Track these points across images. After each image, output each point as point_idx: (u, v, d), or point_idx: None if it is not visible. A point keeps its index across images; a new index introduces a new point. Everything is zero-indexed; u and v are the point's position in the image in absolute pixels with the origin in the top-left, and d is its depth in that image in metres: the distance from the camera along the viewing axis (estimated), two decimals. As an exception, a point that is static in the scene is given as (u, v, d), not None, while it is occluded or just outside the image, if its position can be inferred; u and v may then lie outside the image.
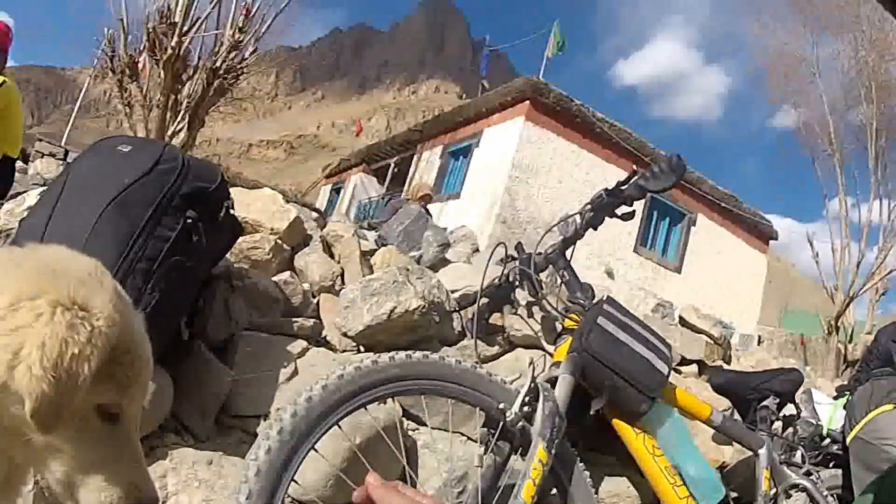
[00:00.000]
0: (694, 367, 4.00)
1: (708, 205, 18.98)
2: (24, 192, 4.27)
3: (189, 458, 2.43)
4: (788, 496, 2.68)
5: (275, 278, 3.24)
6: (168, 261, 2.38)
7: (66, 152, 15.60)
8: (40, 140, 17.34)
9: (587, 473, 2.28)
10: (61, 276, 1.03)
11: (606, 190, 2.51)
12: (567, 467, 2.23)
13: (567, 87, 18.45)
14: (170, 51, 11.56)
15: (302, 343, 2.97)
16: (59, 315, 0.97)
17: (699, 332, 4.21)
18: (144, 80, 12.63)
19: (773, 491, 2.67)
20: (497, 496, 2.05)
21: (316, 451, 1.86)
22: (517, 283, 2.65)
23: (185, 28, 11.78)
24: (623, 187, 2.49)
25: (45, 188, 4.23)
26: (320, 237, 3.74)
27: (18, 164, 5.31)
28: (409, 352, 2.09)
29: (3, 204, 4.22)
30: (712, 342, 4.18)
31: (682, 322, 4.34)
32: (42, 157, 9.30)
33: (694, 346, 4.03)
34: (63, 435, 1.05)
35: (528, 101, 16.86)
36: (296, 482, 1.82)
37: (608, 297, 2.53)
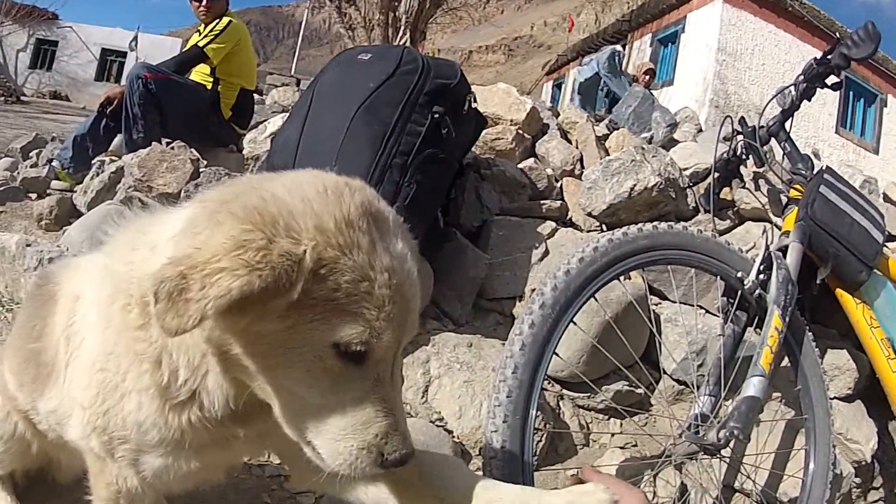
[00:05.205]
0: (899, 244, 3.67)
1: (896, 84, 18.09)
2: (265, 120, 4.65)
3: (450, 342, 2.59)
4: None
5: (520, 165, 3.40)
6: (421, 154, 2.54)
7: (298, 81, 16.55)
8: (271, 74, 18.47)
9: (815, 344, 2.27)
10: (273, 203, 0.95)
11: (816, 59, 2.54)
12: (798, 337, 2.23)
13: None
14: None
15: (551, 224, 3.09)
16: (235, 231, 0.90)
17: (902, 207, 3.82)
18: (362, 2, 13.09)
19: None
20: (735, 368, 2.08)
21: (575, 323, 1.90)
22: (744, 156, 2.68)
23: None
24: (829, 57, 2.50)
25: (286, 112, 4.60)
26: (557, 125, 3.85)
27: (255, 96, 5.57)
28: (655, 223, 2.10)
29: (245, 134, 4.64)
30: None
31: (885, 198, 4.04)
32: (276, 88, 10.02)
33: (897, 222, 3.68)
34: (293, 374, 0.98)
35: (723, -17, 16.82)
36: (557, 355, 1.88)
37: (827, 166, 2.52)
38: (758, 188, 2.91)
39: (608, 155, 3.46)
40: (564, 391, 2.61)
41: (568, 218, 3.24)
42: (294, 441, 1.07)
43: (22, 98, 21.74)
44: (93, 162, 4.07)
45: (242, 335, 0.97)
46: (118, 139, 4.50)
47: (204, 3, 4.76)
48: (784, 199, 2.57)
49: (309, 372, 0.98)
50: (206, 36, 4.66)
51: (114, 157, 4.09)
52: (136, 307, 1.08)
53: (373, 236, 0.98)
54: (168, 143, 3.60)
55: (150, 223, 1.16)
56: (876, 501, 2.59)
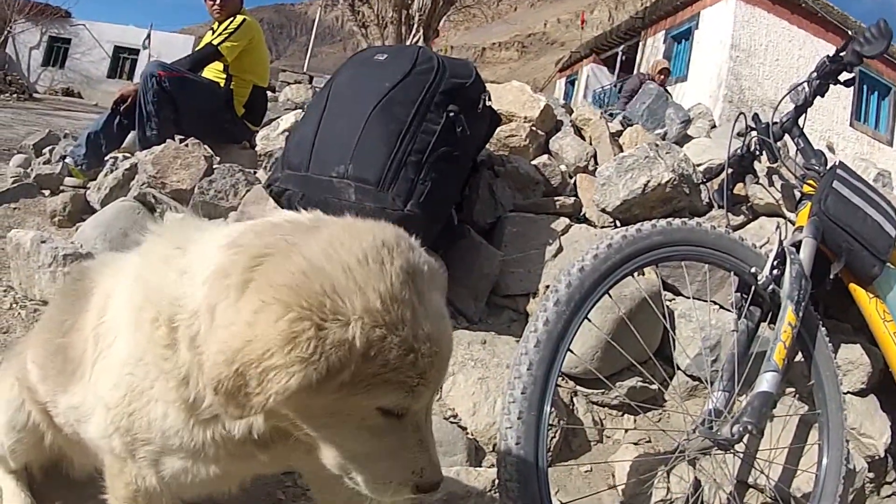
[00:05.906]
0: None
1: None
2: (278, 117, 4.67)
3: (464, 339, 2.60)
4: None
5: (534, 162, 3.41)
6: (436, 152, 2.55)
7: (311, 78, 16.64)
8: (283, 71, 18.56)
9: (828, 339, 2.29)
10: (315, 278, 0.95)
11: (829, 57, 2.54)
12: (811, 332, 2.25)
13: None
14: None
15: (564, 220, 3.09)
16: (284, 324, 0.91)
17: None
18: (375, 0, 13.14)
19: None
20: (749, 363, 2.08)
21: (589, 320, 1.92)
22: (757, 152, 2.70)
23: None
24: (842, 54, 2.50)
25: (298, 110, 4.61)
26: (570, 122, 3.86)
27: (268, 93, 5.60)
28: (669, 219, 2.11)
29: (258, 131, 4.66)
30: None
31: (900, 192, 3.99)
32: (288, 85, 10.11)
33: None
34: (339, 432, 1.04)
35: (736, -21, 17.03)
36: (571, 351, 1.89)
37: (840, 162, 2.52)
38: (771, 184, 2.92)
39: (622, 151, 3.48)
40: (578, 387, 2.62)
41: (582, 214, 3.24)
42: (318, 466, 1.11)
43: (35, 95, 21.94)
44: (106, 159, 4.10)
45: (290, 405, 1.00)
46: (131, 136, 4.52)
47: (217, 1, 4.78)
48: (797, 195, 2.59)
49: (355, 429, 1.04)
50: (219, 34, 4.68)
51: (127, 154, 4.13)
52: (163, 325, 1.09)
53: (414, 304, 1.00)
54: (182, 140, 3.63)
55: (187, 241, 1.17)
56: (889, 496, 2.59)
